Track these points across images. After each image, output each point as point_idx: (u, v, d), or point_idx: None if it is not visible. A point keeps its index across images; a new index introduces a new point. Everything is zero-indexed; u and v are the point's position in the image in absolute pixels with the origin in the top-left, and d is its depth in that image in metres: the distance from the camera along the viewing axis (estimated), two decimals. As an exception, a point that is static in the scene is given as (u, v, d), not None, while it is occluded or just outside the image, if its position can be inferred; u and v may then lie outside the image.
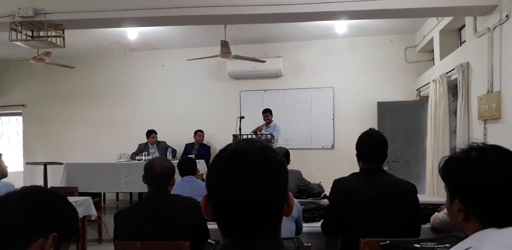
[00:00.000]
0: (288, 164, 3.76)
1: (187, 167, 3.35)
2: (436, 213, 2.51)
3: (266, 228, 0.81)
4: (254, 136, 6.13)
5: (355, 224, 2.08)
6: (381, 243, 1.84)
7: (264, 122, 6.39)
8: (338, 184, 2.22)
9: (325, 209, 2.36)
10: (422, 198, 2.36)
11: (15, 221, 1.03)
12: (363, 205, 2.07)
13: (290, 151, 3.90)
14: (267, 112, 6.42)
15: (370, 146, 2.16)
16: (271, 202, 0.80)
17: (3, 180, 3.25)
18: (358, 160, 2.24)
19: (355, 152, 2.25)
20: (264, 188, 0.79)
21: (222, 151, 0.85)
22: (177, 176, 2.41)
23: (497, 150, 1.06)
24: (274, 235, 0.82)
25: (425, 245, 1.78)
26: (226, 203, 0.80)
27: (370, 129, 2.31)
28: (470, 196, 1.02)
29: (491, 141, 3.78)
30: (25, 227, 1.03)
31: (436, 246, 1.77)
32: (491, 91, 3.74)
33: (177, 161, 3.41)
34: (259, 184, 0.79)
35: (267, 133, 6.14)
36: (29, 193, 1.10)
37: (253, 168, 0.80)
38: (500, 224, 1.00)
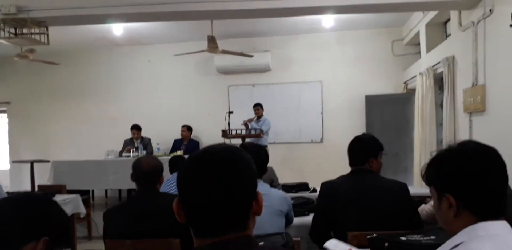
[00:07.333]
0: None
1: (177, 164, 3.37)
2: (423, 205, 2.56)
3: (234, 226, 0.83)
4: (244, 127, 6.14)
5: (343, 225, 2.11)
6: (368, 237, 1.87)
7: (255, 116, 6.41)
8: (324, 187, 2.30)
9: (314, 213, 2.40)
10: (409, 190, 2.41)
11: (6, 225, 1.07)
12: (349, 205, 2.13)
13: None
14: (257, 106, 6.44)
15: (350, 148, 2.35)
16: (238, 198, 0.83)
17: (-11, 179, 3.22)
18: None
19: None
20: (229, 185, 0.82)
21: (191, 154, 0.90)
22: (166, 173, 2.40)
23: (470, 140, 1.11)
24: (243, 231, 0.84)
25: (411, 237, 1.81)
26: (193, 202, 0.82)
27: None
28: (458, 185, 1.03)
29: (476, 133, 3.85)
30: (17, 230, 1.07)
31: (421, 238, 1.80)
32: (476, 85, 3.80)
33: (165, 158, 3.41)
34: (224, 181, 0.81)
35: (258, 127, 6.16)
36: (23, 198, 1.16)
37: (218, 166, 0.83)
38: (492, 213, 1.01)
